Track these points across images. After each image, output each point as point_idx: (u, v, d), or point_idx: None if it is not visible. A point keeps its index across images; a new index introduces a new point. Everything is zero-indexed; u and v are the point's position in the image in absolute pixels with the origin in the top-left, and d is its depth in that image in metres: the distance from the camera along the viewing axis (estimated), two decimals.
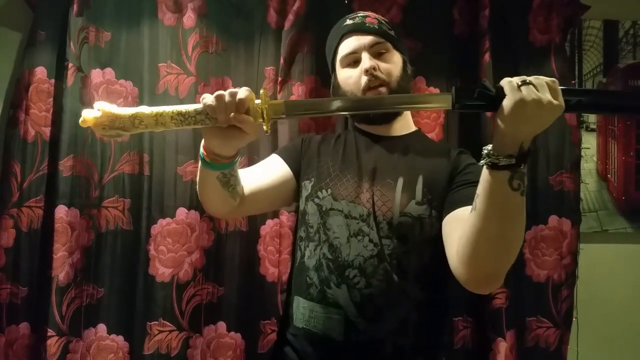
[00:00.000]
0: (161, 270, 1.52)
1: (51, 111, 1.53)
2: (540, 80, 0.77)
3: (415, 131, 1.25)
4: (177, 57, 1.56)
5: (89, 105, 1.53)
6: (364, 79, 1.12)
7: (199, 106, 0.84)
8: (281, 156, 1.21)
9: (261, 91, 0.87)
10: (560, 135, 1.61)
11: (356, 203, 1.08)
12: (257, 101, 0.86)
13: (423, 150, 1.17)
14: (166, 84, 1.56)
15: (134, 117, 0.83)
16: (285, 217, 1.52)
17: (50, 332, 1.45)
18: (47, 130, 1.53)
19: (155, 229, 1.53)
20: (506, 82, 0.79)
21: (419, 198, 1.07)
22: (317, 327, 1.05)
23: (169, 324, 1.51)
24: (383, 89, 1.12)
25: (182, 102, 1.55)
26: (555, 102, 0.77)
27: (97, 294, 1.53)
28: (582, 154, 1.68)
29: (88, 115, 0.81)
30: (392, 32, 1.19)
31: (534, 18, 1.63)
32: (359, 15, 1.21)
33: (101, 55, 1.55)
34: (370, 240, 1.06)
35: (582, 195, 1.70)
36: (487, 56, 1.56)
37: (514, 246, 0.87)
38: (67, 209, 1.49)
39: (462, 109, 0.85)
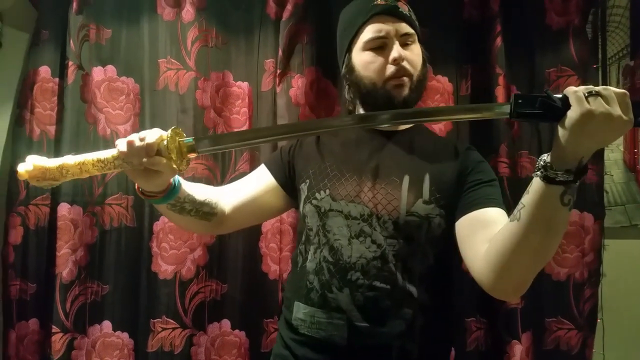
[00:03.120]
0: (163, 268, 1.51)
1: (56, 110, 1.55)
2: (609, 91, 0.71)
3: (418, 125, 1.17)
4: (176, 52, 1.55)
5: (91, 103, 1.54)
6: (391, 68, 1.04)
7: (115, 151, 0.88)
8: (267, 166, 1.18)
9: (169, 131, 0.88)
10: None
11: (356, 202, 1.02)
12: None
13: (428, 145, 1.10)
14: (166, 79, 1.55)
15: (61, 168, 0.88)
16: (286, 214, 1.48)
17: (54, 328, 1.47)
18: (52, 129, 1.55)
19: (157, 225, 1.53)
20: (572, 92, 0.73)
21: (426, 197, 1.01)
22: (319, 334, 1.01)
23: (172, 321, 1.50)
24: (406, 79, 1.05)
25: (182, 97, 1.54)
26: (625, 117, 0.71)
27: (102, 290, 1.54)
28: None
29: (21, 170, 0.87)
30: (417, 24, 1.12)
31: None
32: None
33: (102, 52, 1.56)
34: (373, 241, 1.00)
35: (607, 187, 1.59)
36: (498, 40, 1.47)
37: (549, 257, 0.86)
38: (69, 206, 1.50)
39: (520, 118, 0.80)
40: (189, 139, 0.90)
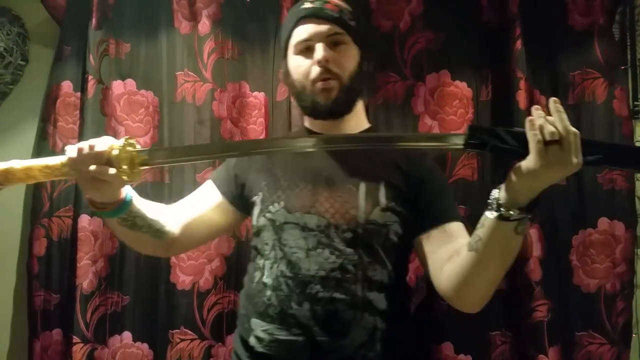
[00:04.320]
0: (182, 278, 1.52)
1: (78, 123, 1.58)
2: (570, 136, 0.73)
3: (369, 129, 1.17)
4: (193, 65, 1.56)
5: (111, 116, 1.57)
6: (315, 70, 1.05)
7: (64, 158, 0.86)
8: (213, 181, 1.18)
9: (121, 141, 0.87)
10: (608, 128, 1.43)
11: (312, 213, 1.02)
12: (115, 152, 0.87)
13: (382, 152, 1.10)
14: (183, 92, 1.56)
15: (6, 172, 0.87)
16: None
17: (75, 339, 1.49)
18: (74, 142, 1.57)
19: None
20: (532, 138, 0.74)
21: (383, 205, 1.02)
22: (278, 352, 0.99)
23: (190, 332, 1.50)
24: (334, 83, 1.06)
25: (199, 109, 1.55)
26: (575, 160, 0.74)
27: (123, 301, 1.55)
28: None
29: None
30: (352, 23, 1.11)
31: None
32: None
33: (122, 66, 1.58)
34: (332, 252, 0.99)
35: (639, 194, 1.51)
36: (518, 44, 1.42)
37: (505, 272, 0.92)
38: (89, 218, 1.52)
39: (474, 150, 0.84)
40: (142, 150, 0.88)
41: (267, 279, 1.03)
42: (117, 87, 1.57)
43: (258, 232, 1.09)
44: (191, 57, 1.56)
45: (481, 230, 0.85)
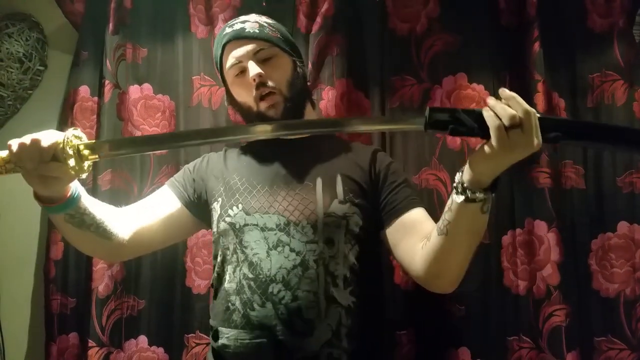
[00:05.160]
0: (197, 282, 1.52)
1: (95, 128, 1.59)
2: (530, 119, 0.75)
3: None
4: (209, 69, 1.57)
5: (127, 120, 1.57)
6: (255, 89, 1.08)
7: (5, 154, 0.84)
8: (170, 187, 1.18)
9: (67, 133, 0.84)
10: None
11: (270, 213, 1.03)
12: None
13: (333, 148, 1.15)
14: (200, 96, 1.57)
15: None
16: None
17: (91, 342, 1.49)
18: None
19: (191, 240, 1.53)
20: (492, 123, 0.75)
21: (340, 197, 1.05)
22: (244, 356, 0.99)
23: (205, 336, 1.50)
24: (276, 97, 1.09)
25: (215, 113, 1.56)
26: (536, 141, 0.75)
27: (138, 305, 1.55)
28: None
29: None
30: (277, 35, 1.14)
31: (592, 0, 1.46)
32: (237, 21, 1.15)
33: (138, 71, 1.59)
34: (292, 250, 1.00)
35: None
36: (536, 46, 1.41)
37: (474, 250, 0.96)
38: None
39: (435, 130, 0.84)
40: (88, 143, 0.86)
41: (229, 284, 1.04)
42: (134, 91, 1.58)
43: (219, 238, 1.10)
44: (207, 61, 1.56)
45: (449, 214, 0.88)
